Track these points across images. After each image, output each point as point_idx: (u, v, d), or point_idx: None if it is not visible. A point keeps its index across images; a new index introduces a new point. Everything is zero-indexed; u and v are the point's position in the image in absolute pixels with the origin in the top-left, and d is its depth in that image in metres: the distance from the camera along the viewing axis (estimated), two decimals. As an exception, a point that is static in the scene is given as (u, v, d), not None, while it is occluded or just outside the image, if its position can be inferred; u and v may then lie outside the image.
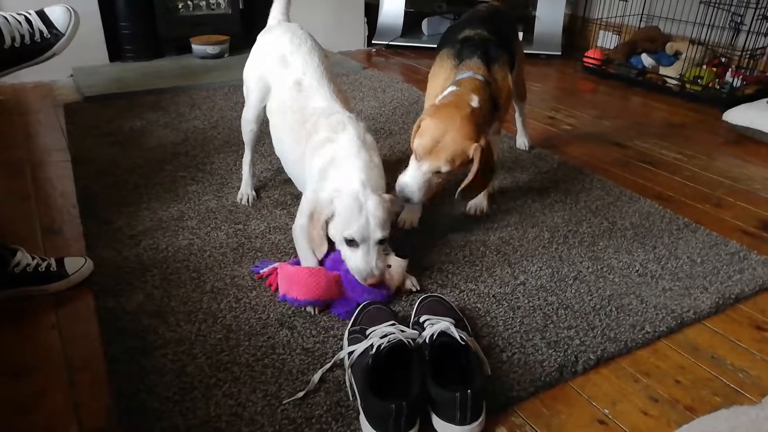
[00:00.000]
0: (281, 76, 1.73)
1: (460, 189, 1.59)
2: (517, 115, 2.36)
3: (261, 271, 1.52)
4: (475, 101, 1.56)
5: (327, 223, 1.43)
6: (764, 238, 1.83)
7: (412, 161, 1.55)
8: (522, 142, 2.39)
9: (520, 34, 3.78)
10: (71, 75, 3.15)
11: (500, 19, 1.91)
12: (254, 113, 1.86)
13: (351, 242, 1.40)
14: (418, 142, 1.52)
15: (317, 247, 1.46)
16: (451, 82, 1.66)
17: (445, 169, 1.51)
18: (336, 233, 1.42)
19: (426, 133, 1.51)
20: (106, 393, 1.19)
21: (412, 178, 1.52)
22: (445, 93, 1.62)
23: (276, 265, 1.50)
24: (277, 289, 1.46)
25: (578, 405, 1.19)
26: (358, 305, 1.39)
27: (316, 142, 1.54)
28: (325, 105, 1.63)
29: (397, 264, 1.47)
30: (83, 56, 3.17)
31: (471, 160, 1.52)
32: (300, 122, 1.61)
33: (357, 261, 1.41)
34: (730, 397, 1.23)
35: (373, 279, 1.40)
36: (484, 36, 1.73)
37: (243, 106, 1.89)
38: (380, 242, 1.42)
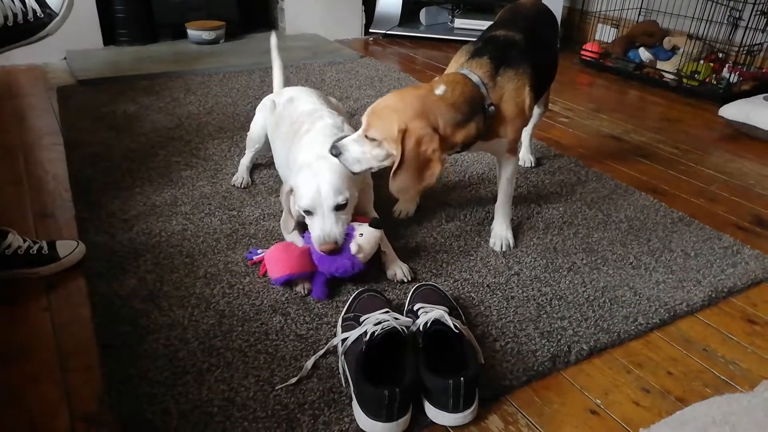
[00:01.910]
0: (279, 102, 1.87)
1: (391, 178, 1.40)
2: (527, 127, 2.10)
3: (254, 258, 1.52)
4: (440, 90, 1.40)
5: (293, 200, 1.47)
6: (757, 232, 1.83)
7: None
8: (527, 158, 2.16)
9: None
10: (64, 58, 3.12)
11: (543, 21, 1.78)
12: (258, 132, 1.94)
13: (308, 212, 1.43)
14: (367, 110, 1.41)
15: (289, 220, 1.50)
16: None
17: (376, 136, 1.36)
18: (297, 208, 1.45)
19: (375, 103, 1.41)
20: (97, 378, 1.18)
21: (349, 137, 1.43)
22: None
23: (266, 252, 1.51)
24: (265, 275, 1.47)
25: (570, 395, 1.20)
26: (329, 281, 1.43)
27: (299, 135, 1.63)
28: (312, 108, 1.73)
29: (369, 234, 1.43)
30: (77, 39, 3.14)
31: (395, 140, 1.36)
32: (289, 125, 1.71)
33: (314, 228, 1.42)
34: (720, 389, 1.23)
35: (326, 246, 1.39)
36: (511, 39, 1.54)
37: (238, 91, 1.88)
38: (337, 208, 1.42)
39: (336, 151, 1.42)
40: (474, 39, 1.66)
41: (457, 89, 1.41)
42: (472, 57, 1.51)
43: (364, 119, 1.41)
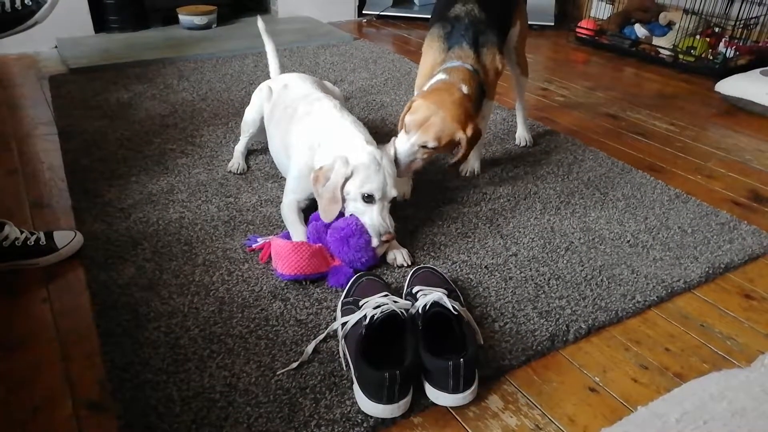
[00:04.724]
0: (275, 88, 1.87)
1: (448, 165, 1.67)
2: (517, 103, 2.16)
3: (253, 245, 1.52)
4: (465, 89, 1.61)
5: (344, 182, 1.45)
6: (754, 208, 1.84)
7: (401, 135, 1.59)
8: (523, 137, 2.17)
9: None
10: (55, 46, 3.08)
11: None
12: (253, 117, 1.92)
13: (369, 198, 1.44)
14: (410, 118, 1.56)
15: (333, 207, 1.46)
16: (440, 66, 1.68)
17: (431, 144, 1.54)
18: (353, 190, 1.45)
19: (418, 111, 1.56)
20: (99, 366, 1.19)
21: (399, 146, 1.57)
22: (435, 80, 1.64)
23: (269, 239, 1.50)
24: (267, 262, 1.47)
25: (569, 373, 1.21)
26: (355, 272, 1.40)
27: (296, 118, 1.64)
28: (306, 92, 1.74)
29: None
30: (67, 27, 3.11)
31: (457, 143, 1.58)
32: (283, 109, 1.73)
33: (373, 217, 1.44)
34: (718, 364, 1.25)
35: (388, 235, 1.45)
36: (474, 16, 1.70)
37: (231, 77, 1.87)
38: (391, 201, 1.48)
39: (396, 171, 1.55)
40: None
41: (473, 85, 1.63)
42: (451, 45, 1.69)
43: (413, 125, 1.54)
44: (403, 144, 1.56)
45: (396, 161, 1.56)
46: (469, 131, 1.56)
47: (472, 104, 1.62)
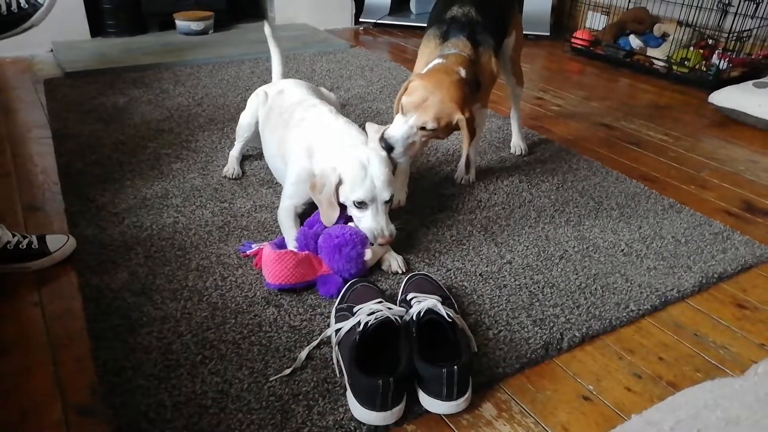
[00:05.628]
0: (270, 94, 1.88)
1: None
2: (512, 112, 2.17)
3: (247, 251, 1.51)
4: (462, 72, 1.59)
5: (338, 189, 1.46)
6: (747, 218, 1.85)
7: (398, 117, 1.56)
8: (518, 145, 2.17)
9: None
10: (51, 50, 3.08)
11: None
12: (248, 121, 1.92)
13: (361, 204, 1.44)
14: (407, 99, 1.54)
15: (332, 212, 1.47)
16: (437, 57, 1.67)
17: (430, 125, 1.52)
18: (345, 198, 1.46)
19: (415, 91, 1.54)
20: (90, 371, 1.18)
21: (397, 129, 1.54)
22: (432, 63, 1.63)
23: (262, 245, 1.50)
24: (261, 268, 1.46)
25: (563, 381, 1.21)
26: (345, 281, 1.39)
27: (292, 124, 1.65)
28: (301, 98, 1.75)
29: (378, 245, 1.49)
30: (64, 31, 3.10)
31: (455, 126, 1.56)
32: (278, 115, 1.73)
33: (368, 222, 1.45)
34: (711, 373, 1.25)
35: (384, 239, 1.45)
36: (471, 17, 1.71)
37: (227, 82, 1.87)
38: (387, 201, 1.47)
39: (385, 145, 1.53)
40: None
41: (470, 70, 1.61)
42: (449, 38, 1.68)
43: (410, 106, 1.52)
44: (401, 126, 1.53)
45: (390, 147, 1.52)
46: (467, 113, 1.54)
47: (469, 90, 1.59)
